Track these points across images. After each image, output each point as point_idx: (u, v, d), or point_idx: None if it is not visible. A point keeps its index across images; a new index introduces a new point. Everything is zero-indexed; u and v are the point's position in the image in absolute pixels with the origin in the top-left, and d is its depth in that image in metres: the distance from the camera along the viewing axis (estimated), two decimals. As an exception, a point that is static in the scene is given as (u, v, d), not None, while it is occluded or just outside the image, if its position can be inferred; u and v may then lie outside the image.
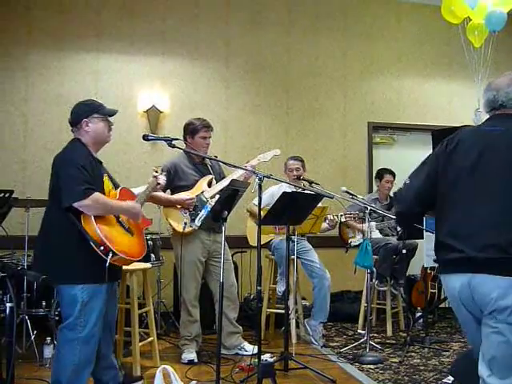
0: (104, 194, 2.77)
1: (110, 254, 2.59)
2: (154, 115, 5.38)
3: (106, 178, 2.86)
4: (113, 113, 2.94)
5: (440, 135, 5.46)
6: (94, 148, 2.88)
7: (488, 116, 2.26)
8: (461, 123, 5.49)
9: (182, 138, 3.91)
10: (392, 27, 6.29)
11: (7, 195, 3.05)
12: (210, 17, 5.74)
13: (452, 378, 3.51)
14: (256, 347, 3.34)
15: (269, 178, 3.09)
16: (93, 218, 2.63)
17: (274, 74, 5.89)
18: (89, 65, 5.47)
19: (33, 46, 5.37)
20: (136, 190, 3.10)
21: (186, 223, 3.78)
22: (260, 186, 3.01)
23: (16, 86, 5.35)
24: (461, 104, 6.19)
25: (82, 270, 2.66)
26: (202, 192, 3.86)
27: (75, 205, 2.61)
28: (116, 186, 2.97)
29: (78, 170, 2.64)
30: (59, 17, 5.42)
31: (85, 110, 2.85)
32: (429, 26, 5.99)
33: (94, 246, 2.60)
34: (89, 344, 2.71)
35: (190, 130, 3.98)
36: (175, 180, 3.84)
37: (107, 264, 2.58)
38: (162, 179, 3.19)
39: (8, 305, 1.63)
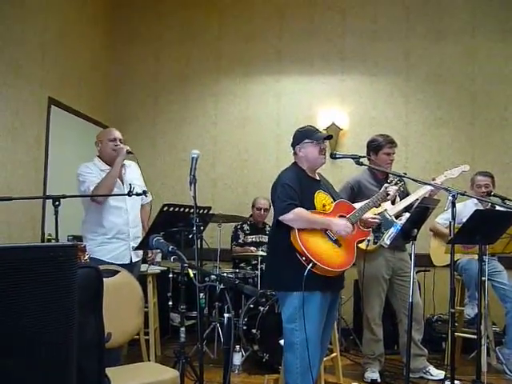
0: (315, 208, 2.99)
1: (311, 264, 2.81)
2: (333, 133, 5.47)
3: (319, 194, 3.08)
4: (322, 137, 3.14)
5: None
6: (309, 170, 3.15)
7: None
8: None
9: (364, 155, 3.91)
10: None
11: (206, 211, 3.34)
12: (389, 31, 5.69)
13: None
14: (443, 372, 3.19)
15: (463, 195, 2.94)
16: (296, 230, 2.88)
17: (457, 84, 5.60)
18: (271, 87, 5.78)
19: (223, 73, 5.85)
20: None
21: (369, 241, 3.77)
22: (454, 204, 2.88)
23: (207, 111, 5.87)
24: None
25: (294, 279, 2.85)
26: (386, 210, 3.81)
27: (280, 219, 2.92)
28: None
29: (283, 188, 2.96)
30: (245, 45, 5.83)
31: (298, 137, 3.15)
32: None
33: (298, 256, 2.86)
34: (306, 348, 2.86)
35: (374, 146, 3.97)
36: (358, 197, 3.85)
37: (305, 272, 2.79)
38: (393, 189, 3.27)
39: (226, 315, 1.80)
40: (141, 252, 3.71)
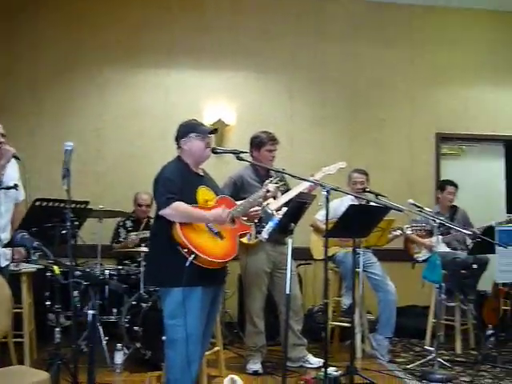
0: (197, 203, 2.99)
1: (193, 255, 2.82)
2: (220, 128, 5.48)
3: (202, 189, 3.07)
4: (208, 131, 3.15)
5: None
6: (194, 164, 3.12)
7: None
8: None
9: (246, 151, 3.98)
10: (458, 36, 6.13)
11: (83, 206, 3.20)
12: (278, 30, 5.83)
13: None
14: (321, 360, 3.32)
15: (336, 190, 3.09)
16: (178, 223, 2.88)
17: (340, 86, 5.88)
18: (160, 80, 5.69)
19: (109, 64, 5.64)
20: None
21: (250, 235, 3.84)
22: (327, 199, 3.02)
23: (92, 103, 5.64)
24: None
25: (175, 274, 2.83)
26: (267, 204, 3.90)
27: (160, 213, 2.92)
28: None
29: (163, 182, 2.97)
30: (135, 35, 5.67)
31: (182, 131, 3.12)
32: (497, 33, 5.77)
33: (180, 248, 2.85)
34: (188, 344, 2.84)
35: (257, 142, 4.05)
36: (241, 192, 3.90)
37: (187, 263, 2.81)
38: (273, 187, 3.31)
39: (90, 312, 1.73)
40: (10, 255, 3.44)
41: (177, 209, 2.88)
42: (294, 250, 4.21)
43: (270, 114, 5.72)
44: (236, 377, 3.02)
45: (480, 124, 6.08)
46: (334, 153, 5.48)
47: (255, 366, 4.00)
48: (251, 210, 3.26)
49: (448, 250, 4.89)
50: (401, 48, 6.02)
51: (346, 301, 4.51)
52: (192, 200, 2.97)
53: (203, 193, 3.08)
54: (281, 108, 5.79)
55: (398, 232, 4.45)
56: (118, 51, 5.66)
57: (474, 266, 4.42)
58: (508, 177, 5.20)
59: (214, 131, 3.25)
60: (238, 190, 3.93)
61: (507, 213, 5.15)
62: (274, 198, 3.96)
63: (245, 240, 3.83)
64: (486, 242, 4.13)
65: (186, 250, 2.85)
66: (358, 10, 5.98)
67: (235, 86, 5.75)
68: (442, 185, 5.29)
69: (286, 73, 5.83)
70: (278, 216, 3.16)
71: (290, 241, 3.09)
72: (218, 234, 3.03)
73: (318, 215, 4.57)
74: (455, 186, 5.17)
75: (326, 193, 3.01)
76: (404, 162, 5.91)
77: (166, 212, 2.88)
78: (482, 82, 6.14)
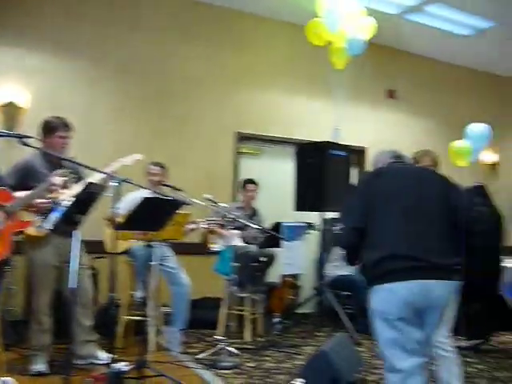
0: None
1: None
2: (11, 111, 5.04)
3: None
4: None
5: (303, 150, 5.77)
6: None
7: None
8: (322, 139, 5.86)
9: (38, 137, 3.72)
10: (262, 42, 6.51)
11: None
12: (86, 17, 5.54)
13: (302, 380, 3.69)
14: (111, 355, 3.26)
15: (127, 182, 3.04)
16: None
17: (145, 77, 5.81)
18: None
19: None
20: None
21: (39, 226, 3.59)
22: (118, 191, 2.96)
23: None
24: (324, 121, 6.54)
25: None
26: (58, 194, 3.68)
27: None
28: None
29: None
30: None
31: None
32: (298, 44, 6.21)
33: None
34: None
35: (48, 128, 3.79)
36: (28, 180, 3.62)
37: None
38: (58, 179, 3.05)
39: None
40: None
41: None
42: (90, 242, 4.10)
43: (70, 100, 5.41)
44: (9, 379, 2.78)
45: (278, 127, 6.53)
46: (134, 145, 5.36)
47: (40, 366, 3.75)
48: (38, 201, 3.05)
49: (243, 244, 5.17)
50: (208, 46, 6.16)
51: (139, 294, 4.48)
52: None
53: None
54: (81, 95, 5.52)
55: (194, 225, 4.55)
56: None
57: (263, 259, 4.73)
58: (296, 178, 5.66)
59: None
60: (24, 177, 3.63)
61: (295, 211, 5.59)
62: (67, 188, 3.77)
63: (32, 231, 3.58)
64: (273, 236, 4.46)
65: None
66: (170, 5, 5.98)
67: (31, 68, 5.32)
68: (243, 183, 5.57)
69: (89, 60, 5.57)
70: (65, 206, 3.00)
71: (76, 233, 2.95)
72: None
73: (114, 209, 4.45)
74: (255, 184, 5.49)
75: (116, 184, 2.94)
76: (205, 158, 6.06)
77: None
78: (280, 88, 6.59)
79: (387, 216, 2.55)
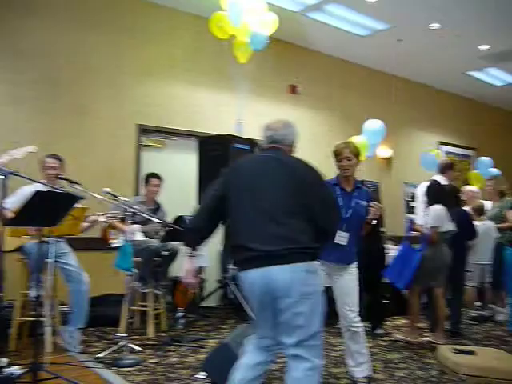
0: None
1: None
2: None
3: None
4: None
5: (206, 142, 5.76)
6: None
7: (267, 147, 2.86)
8: (225, 132, 5.88)
9: None
10: (166, 33, 6.39)
11: None
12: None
13: (204, 373, 3.70)
14: (4, 360, 3.07)
15: (15, 175, 2.87)
16: None
17: (39, 65, 5.48)
18: None
19: None
20: None
21: None
22: (4, 184, 2.77)
23: None
24: (227, 114, 6.56)
25: None
26: None
27: None
28: None
29: None
30: None
31: None
32: (202, 37, 6.17)
33: None
34: None
35: None
36: None
37: None
38: None
39: None
40: None
41: None
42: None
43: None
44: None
45: (181, 120, 6.45)
46: (29, 136, 5.07)
47: None
48: None
49: (145, 238, 5.06)
50: (106, 36, 5.94)
51: (34, 293, 4.25)
52: None
53: None
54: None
55: (92, 218, 4.39)
56: None
57: (165, 254, 4.66)
58: (199, 170, 5.64)
59: None
60: None
61: (198, 204, 5.55)
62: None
63: None
64: (175, 230, 4.41)
65: None
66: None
67: None
68: (146, 178, 5.43)
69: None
70: None
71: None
72: None
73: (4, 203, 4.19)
74: (160, 178, 5.38)
75: (3, 177, 2.76)
76: (105, 150, 5.85)
77: None
78: (183, 80, 6.51)
79: (237, 206, 2.66)
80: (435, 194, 5.04)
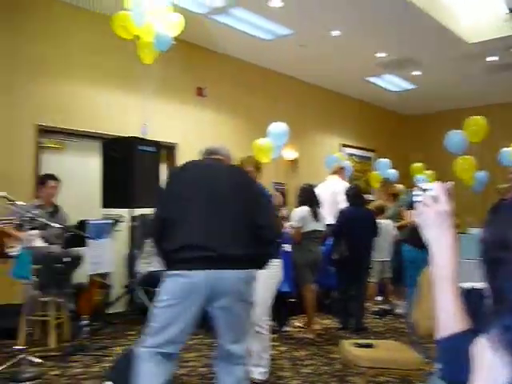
0: None
1: None
2: None
3: None
4: None
5: (110, 144, 5.60)
6: None
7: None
8: (130, 134, 5.75)
9: None
10: (65, 31, 6.13)
11: None
12: None
13: (110, 383, 3.59)
14: None
15: None
16: None
17: None
18: None
19: None
20: None
21: None
22: None
23: None
24: (132, 115, 6.43)
25: None
26: None
27: None
28: None
29: None
30: None
31: None
32: (105, 36, 5.94)
33: None
34: None
35: None
36: None
37: None
38: None
39: None
40: None
41: None
42: None
43: None
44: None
45: (83, 121, 6.23)
46: None
47: None
48: None
49: (44, 244, 4.83)
50: (2, 32, 5.61)
51: None
52: None
53: None
54: None
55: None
56: None
57: (67, 260, 4.48)
58: (103, 173, 5.47)
59: None
60: None
61: (102, 207, 5.41)
62: None
63: None
64: (78, 235, 4.25)
65: None
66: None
67: None
68: (42, 179, 5.19)
69: None
70: None
71: None
72: None
73: None
74: (57, 180, 5.15)
75: None
76: (1, 152, 5.52)
77: None
78: (85, 79, 6.29)
79: (185, 208, 2.67)
80: (303, 195, 5.48)
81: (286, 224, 5.32)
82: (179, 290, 2.57)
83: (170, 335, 2.56)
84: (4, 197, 3.99)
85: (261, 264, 2.80)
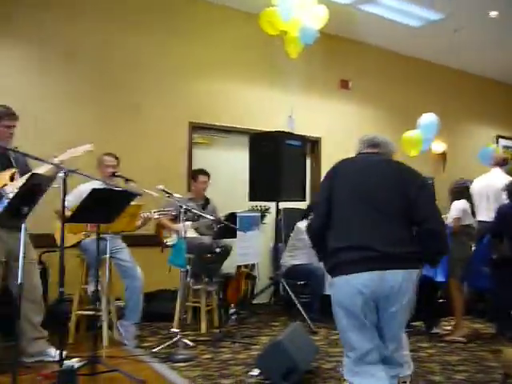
0: None
1: None
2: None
3: None
4: None
5: (258, 139, 5.74)
6: None
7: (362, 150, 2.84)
8: (276, 128, 5.84)
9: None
10: (215, 30, 6.39)
11: None
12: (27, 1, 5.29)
13: (257, 370, 3.69)
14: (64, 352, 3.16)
15: (74, 172, 2.94)
16: None
17: (92, 65, 5.58)
18: None
19: None
20: None
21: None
22: (65, 182, 2.84)
23: None
24: (278, 110, 6.53)
25: None
26: (3, 186, 3.53)
27: None
28: None
29: None
30: None
31: None
32: (251, 33, 6.12)
33: None
34: None
35: (-8, 117, 3.63)
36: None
37: None
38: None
39: None
40: None
41: None
42: (38, 236, 3.95)
43: (15, 88, 5.17)
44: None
45: (230, 117, 6.46)
46: (84, 135, 5.15)
47: (-15, 366, 3.61)
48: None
49: (196, 235, 5.10)
50: (156, 34, 5.99)
51: (92, 288, 4.37)
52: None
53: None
54: (29, 84, 5.27)
55: (146, 215, 4.46)
56: None
57: (218, 250, 4.68)
58: (251, 167, 5.62)
59: None
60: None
61: (249, 201, 5.57)
62: (12, 179, 3.62)
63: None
64: (228, 227, 4.42)
65: None
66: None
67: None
68: (194, 174, 5.48)
69: (34, 44, 5.32)
70: (9, 198, 2.87)
71: (23, 226, 2.83)
72: None
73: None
74: (207, 175, 5.42)
75: (63, 175, 2.83)
76: (158, 148, 5.91)
77: None
78: (233, 77, 6.52)
79: (344, 207, 2.60)
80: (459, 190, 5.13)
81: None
82: (343, 293, 2.53)
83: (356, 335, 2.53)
84: (162, 190, 4.28)
85: (431, 262, 2.72)
